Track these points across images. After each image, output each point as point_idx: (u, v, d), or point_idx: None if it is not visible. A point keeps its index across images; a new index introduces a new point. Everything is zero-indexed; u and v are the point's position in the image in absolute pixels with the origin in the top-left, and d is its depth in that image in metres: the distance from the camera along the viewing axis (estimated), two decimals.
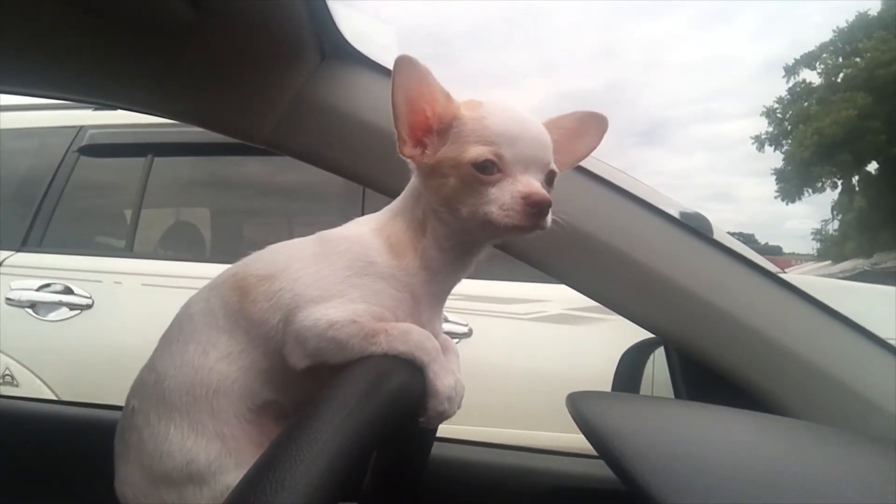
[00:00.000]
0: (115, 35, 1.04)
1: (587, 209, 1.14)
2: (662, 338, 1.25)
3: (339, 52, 1.16)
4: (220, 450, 0.85)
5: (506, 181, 0.85)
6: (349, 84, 1.17)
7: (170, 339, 0.93)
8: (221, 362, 0.87)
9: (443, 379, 0.82)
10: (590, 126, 0.98)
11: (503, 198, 0.84)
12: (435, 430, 1.01)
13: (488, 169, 0.85)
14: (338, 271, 0.87)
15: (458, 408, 0.86)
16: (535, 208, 0.83)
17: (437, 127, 0.89)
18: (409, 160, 0.91)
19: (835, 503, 0.55)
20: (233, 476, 0.83)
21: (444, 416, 0.84)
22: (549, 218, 0.86)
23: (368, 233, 0.92)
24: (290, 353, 0.84)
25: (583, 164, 1.16)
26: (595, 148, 0.98)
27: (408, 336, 0.83)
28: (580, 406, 0.77)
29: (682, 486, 0.57)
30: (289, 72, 1.14)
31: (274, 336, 0.87)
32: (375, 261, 0.89)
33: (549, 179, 0.90)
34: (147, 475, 0.87)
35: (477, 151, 0.84)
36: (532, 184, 0.85)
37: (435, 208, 0.90)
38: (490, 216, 0.84)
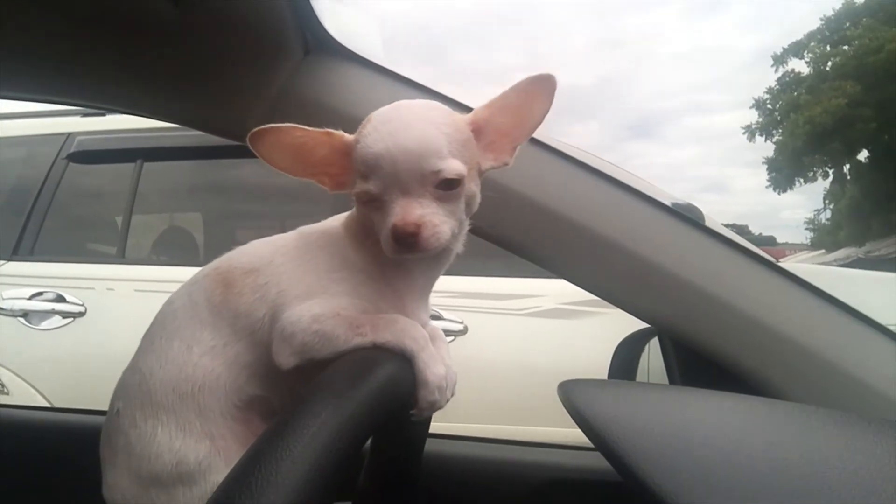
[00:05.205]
0: (97, 35, 1.03)
1: (579, 199, 1.13)
2: (657, 327, 1.24)
3: (323, 46, 1.15)
4: (209, 449, 0.84)
5: (389, 207, 0.83)
6: (333, 79, 1.15)
7: (152, 338, 0.92)
8: (205, 357, 0.86)
9: (432, 368, 0.81)
10: (538, 90, 0.89)
11: (385, 228, 0.83)
12: (428, 424, 0.99)
13: (373, 201, 0.84)
14: (319, 266, 0.89)
15: (452, 395, 0.85)
16: (401, 241, 0.81)
17: (340, 162, 0.89)
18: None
19: (832, 483, 0.54)
20: (223, 475, 0.81)
21: (435, 407, 0.82)
22: (442, 235, 0.82)
23: (339, 226, 0.95)
24: (276, 352, 0.83)
25: (574, 154, 1.15)
26: (548, 110, 0.89)
27: (394, 325, 0.82)
28: (571, 394, 0.76)
29: (676, 471, 0.56)
30: (272, 67, 1.12)
31: (259, 328, 0.86)
32: (349, 254, 0.91)
33: (449, 184, 0.83)
34: (136, 478, 0.85)
35: (358, 187, 0.84)
36: (401, 213, 0.81)
37: None
38: (384, 245, 0.84)
